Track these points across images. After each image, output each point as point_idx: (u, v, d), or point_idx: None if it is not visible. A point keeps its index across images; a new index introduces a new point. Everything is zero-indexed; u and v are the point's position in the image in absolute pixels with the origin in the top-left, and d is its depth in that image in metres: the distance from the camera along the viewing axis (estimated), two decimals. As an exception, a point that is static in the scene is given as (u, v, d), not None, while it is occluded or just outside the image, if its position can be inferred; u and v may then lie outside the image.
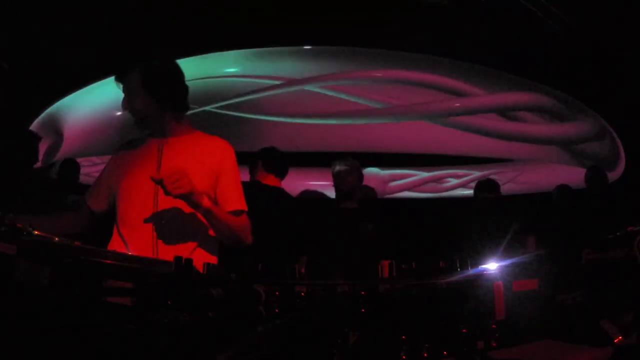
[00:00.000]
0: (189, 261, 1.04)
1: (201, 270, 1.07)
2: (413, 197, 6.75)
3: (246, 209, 2.02)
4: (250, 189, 2.19)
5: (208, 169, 1.96)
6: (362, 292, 0.99)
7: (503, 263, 1.24)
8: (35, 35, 4.26)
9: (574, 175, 5.66)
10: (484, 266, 1.21)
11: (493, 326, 1.14)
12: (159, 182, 1.73)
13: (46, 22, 4.27)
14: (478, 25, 5.13)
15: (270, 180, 3.61)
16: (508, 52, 5.29)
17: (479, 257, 1.26)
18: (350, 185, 3.73)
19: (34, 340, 1.07)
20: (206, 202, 1.82)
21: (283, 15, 4.89)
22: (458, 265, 1.15)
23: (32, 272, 1.07)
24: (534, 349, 1.20)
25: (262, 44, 5.47)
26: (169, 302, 0.96)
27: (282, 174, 3.70)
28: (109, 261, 1.14)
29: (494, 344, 1.13)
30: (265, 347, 0.88)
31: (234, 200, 2.00)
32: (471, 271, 1.15)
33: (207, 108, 5.62)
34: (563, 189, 4.82)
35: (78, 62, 4.54)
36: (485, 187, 4.23)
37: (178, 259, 1.05)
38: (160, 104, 1.95)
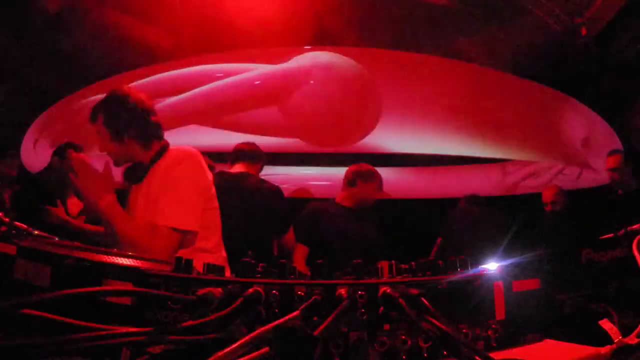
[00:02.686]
0: (189, 261, 1.05)
1: (201, 270, 1.07)
2: (413, 197, 6.73)
3: (172, 225, 1.97)
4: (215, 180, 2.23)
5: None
6: (362, 292, 0.99)
7: (503, 263, 1.24)
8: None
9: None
10: (484, 266, 1.21)
11: (493, 326, 1.14)
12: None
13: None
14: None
15: (240, 167, 3.62)
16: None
17: (478, 256, 1.26)
18: (374, 198, 3.71)
19: (33, 340, 1.06)
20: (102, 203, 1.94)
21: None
22: (458, 265, 1.14)
23: (32, 272, 1.07)
24: (534, 349, 1.20)
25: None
26: (169, 302, 0.96)
27: (253, 160, 3.68)
28: (109, 261, 1.14)
29: (494, 344, 1.13)
30: (265, 347, 0.88)
31: (159, 213, 2.00)
32: (471, 271, 1.15)
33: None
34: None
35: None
36: (472, 201, 4.29)
37: (178, 259, 1.05)
38: (125, 142, 2.07)
